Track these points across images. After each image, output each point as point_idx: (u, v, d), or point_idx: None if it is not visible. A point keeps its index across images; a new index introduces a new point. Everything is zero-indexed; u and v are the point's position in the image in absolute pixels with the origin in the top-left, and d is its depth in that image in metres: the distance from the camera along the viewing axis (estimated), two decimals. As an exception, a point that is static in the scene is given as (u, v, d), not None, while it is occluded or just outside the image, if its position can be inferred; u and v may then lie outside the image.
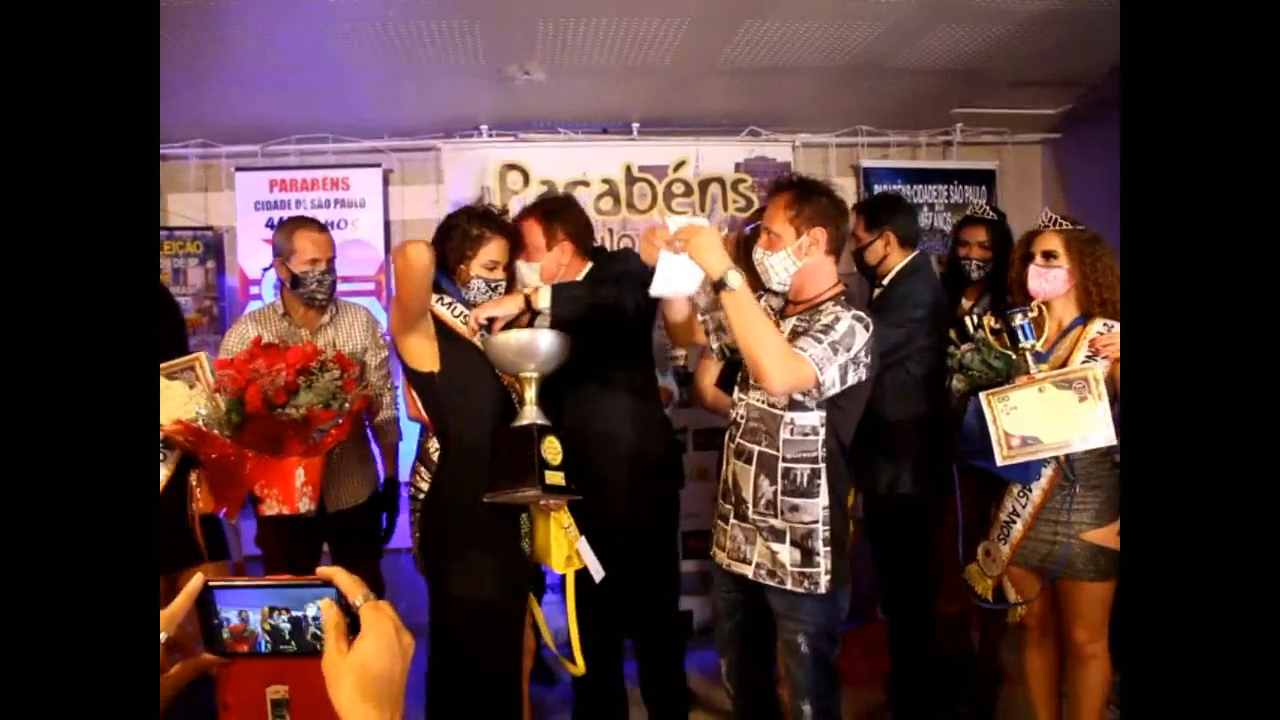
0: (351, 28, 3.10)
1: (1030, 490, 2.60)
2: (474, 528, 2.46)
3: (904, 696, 3.16)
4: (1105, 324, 2.55)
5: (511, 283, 2.73)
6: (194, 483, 2.78)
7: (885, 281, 3.15)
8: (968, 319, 2.71)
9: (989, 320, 2.64)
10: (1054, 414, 2.45)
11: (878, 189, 4.51)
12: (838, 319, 2.27)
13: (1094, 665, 2.62)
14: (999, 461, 2.49)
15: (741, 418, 2.44)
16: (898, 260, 3.14)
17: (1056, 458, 2.52)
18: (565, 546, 2.54)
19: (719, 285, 2.16)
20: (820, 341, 2.22)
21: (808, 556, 2.32)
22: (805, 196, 2.37)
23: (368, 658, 0.92)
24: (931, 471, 3.00)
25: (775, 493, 2.34)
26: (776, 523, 2.34)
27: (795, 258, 2.36)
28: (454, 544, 2.49)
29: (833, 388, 2.23)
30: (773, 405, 2.35)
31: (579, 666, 2.59)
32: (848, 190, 4.69)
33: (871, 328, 2.30)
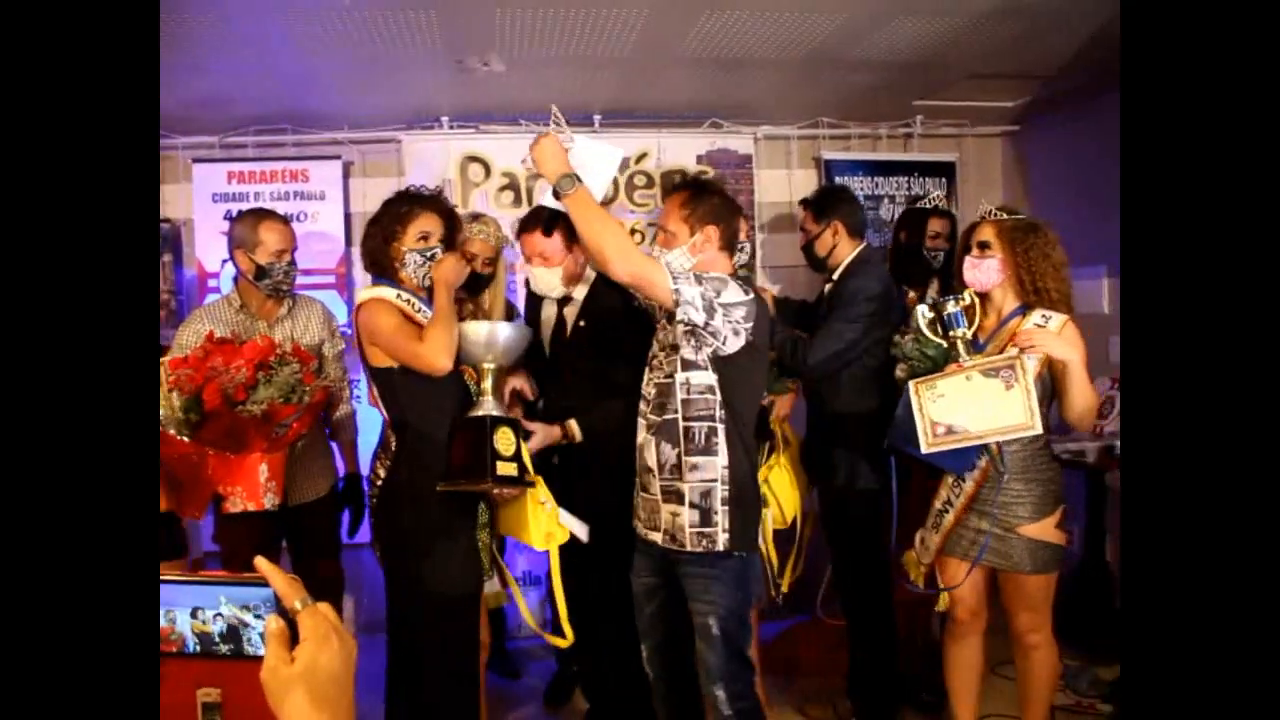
0: (310, 18, 3.06)
1: (964, 480, 2.64)
2: (430, 519, 2.47)
3: (864, 687, 3.18)
4: (1044, 315, 2.56)
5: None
6: None
7: (836, 275, 3.15)
8: (918, 309, 2.74)
9: (922, 309, 2.67)
10: (980, 402, 2.46)
11: (839, 181, 4.54)
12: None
13: (1037, 655, 2.67)
14: (923, 449, 2.50)
15: (650, 395, 2.50)
16: (847, 251, 3.15)
17: (988, 448, 2.55)
18: (544, 523, 2.56)
19: (557, 191, 2.38)
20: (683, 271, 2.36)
21: (705, 516, 2.38)
22: (698, 196, 2.52)
23: (316, 665, 0.88)
24: (888, 463, 3.03)
25: (678, 455, 2.40)
26: (680, 485, 2.40)
27: (690, 254, 2.47)
28: (410, 536, 2.49)
29: (695, 310, 2.28)
30: (670, 376, 2.42)
31: (567, 638, 2.60)
32: (809, 182, 4.72)
33: (753, 297, 2.39)
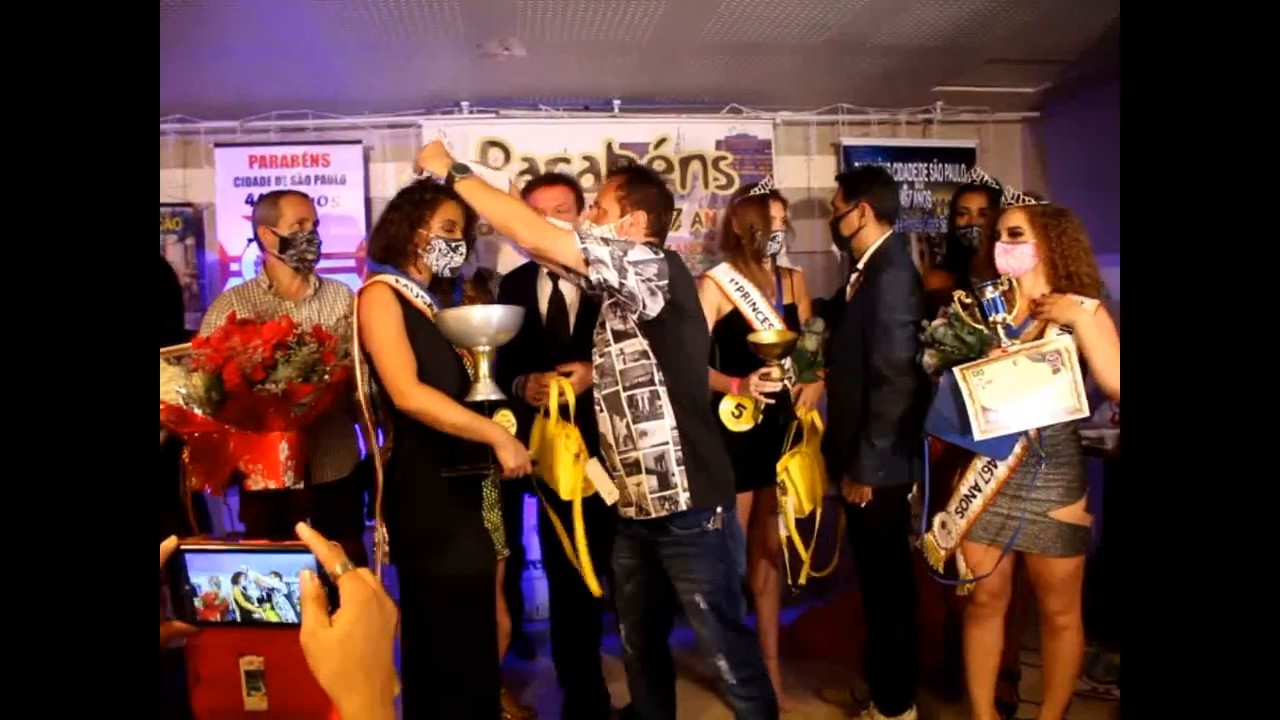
0: (332, 2, 3.08)
1: (995, 466, 2.64)
2: (434, 505, 2.50)
3: (882, 669, 3.19)
4: (1080, 301, 2.55)
5: (470, 246, 2.76)
6: (186, 460, 2.77)
7: (862, 263, 3.09)
8: (956, 294, 2.71)
9: (960, 294, 2.66)
10: (1029, 387, 2.47)
11: (850, 167, 4.52)
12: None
13: (1065, 636, 2.68)
14: (977, 436, 2.50)
15: (595, 376, 2.55)
16: (874, 235, 3.08)
17: (1026, 433, 2.55)
18: (573, 474, 2.65)
19: (450, 180, 2.48)
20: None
21: (664, 479, 2.43)
22: (636, 181, 2.61)
23: (351, 631, 0.87)
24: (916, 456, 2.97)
25: (627, 424, 2.46)
26: (635, 454, 2.46)
27: (616, 234, 2.52)
28: (415, 523, 2.52)
29: (608, 269, 2.33)
30: (605, 351, 2.49)
31: (595, 588, 2.71)
32: (828, 168, 4.71)
33: (663, 256, 2.43)
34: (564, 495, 2.63)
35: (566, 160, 4.38)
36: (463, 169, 2.48)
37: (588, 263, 2.32)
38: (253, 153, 4.31)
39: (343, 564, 0.91)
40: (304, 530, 0.93)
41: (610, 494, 2.60)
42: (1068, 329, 2.54)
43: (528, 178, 4.32)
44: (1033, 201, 2.66)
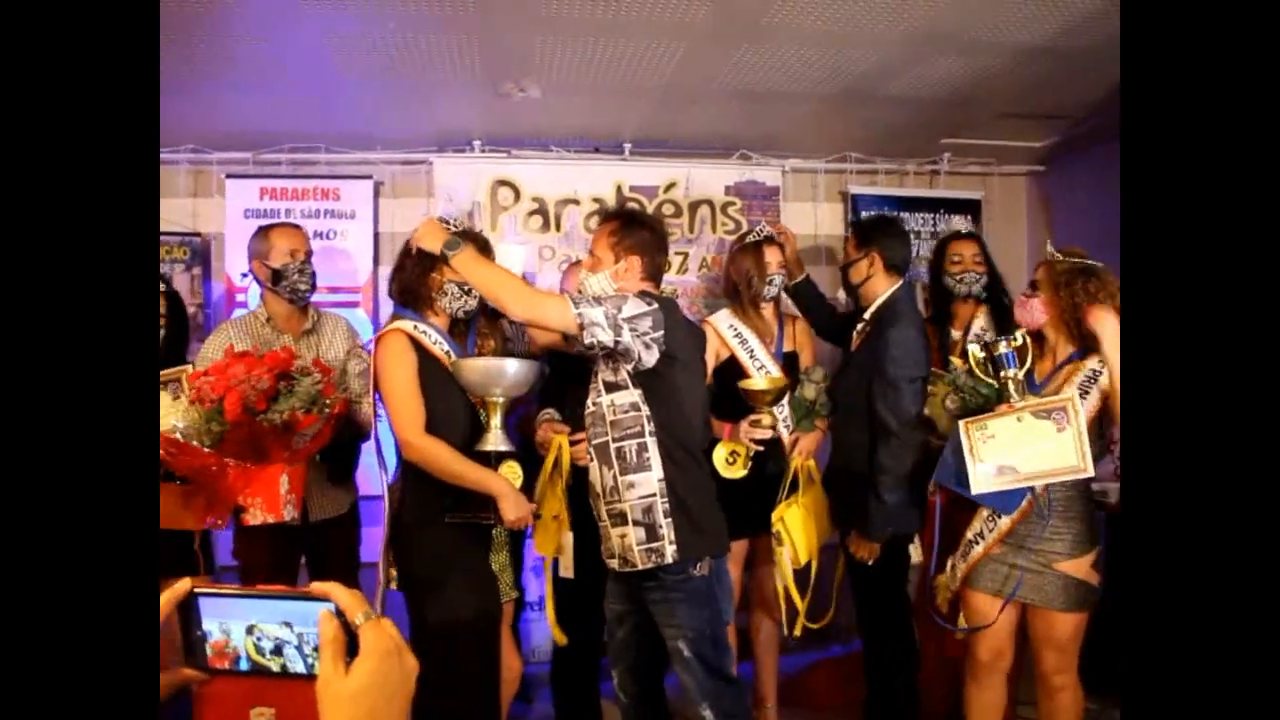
0: (349, 39, 3.11)
1: (999, 516, 2.63)
2: (441, 547, 2.51)
3: (882, 718, 3.15)
4: (1100, 360, 2.53)
5: None
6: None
7: (869, 313, 3.08)
8: (970, 347, 2.73)
9: (975, 349, 2.67)
10: (1031, 443, 2.47)
11: (865, 215, 4.54)
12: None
13: (1062, 696, 2.63)
14: (973, 489, 2.51)
15: (587, 423, 2.56)
16: (883, 285, 3.07)
17: (1034, 489, 2.54)
18: (553, 534, 2.71)
19: (443, 257, 2.48)
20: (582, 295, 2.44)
21: (651, 531, 2.42)
22: (628, 226, 2.61)
23: (367, 685, 0.83)
24: (919, 507, 2.96)
25: (614, 476, 2.46)
26: (622, 506, 2.46)
27: (612, 280, 2.55)
28: (423, 564, 2.52)
29: (603, 330, 2.34)
30: (597, 402, 2.50)
31: (559, 637, 2.84)
32: (836, 215, 4.73)
33: (656, 307, 2.43)
34: (538, 550, 2.73)
35: (576, 202, 4.40)
36: (454, 245, 2.46)
37: (582, 327, 2.33)
38: (264, 185, 4.32)
39: (365, 613, 0.87)
40: (319, 585, 0.90)
41: (566, 569, 2.70)
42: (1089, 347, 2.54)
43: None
44: (1060, 258, 2.65)
